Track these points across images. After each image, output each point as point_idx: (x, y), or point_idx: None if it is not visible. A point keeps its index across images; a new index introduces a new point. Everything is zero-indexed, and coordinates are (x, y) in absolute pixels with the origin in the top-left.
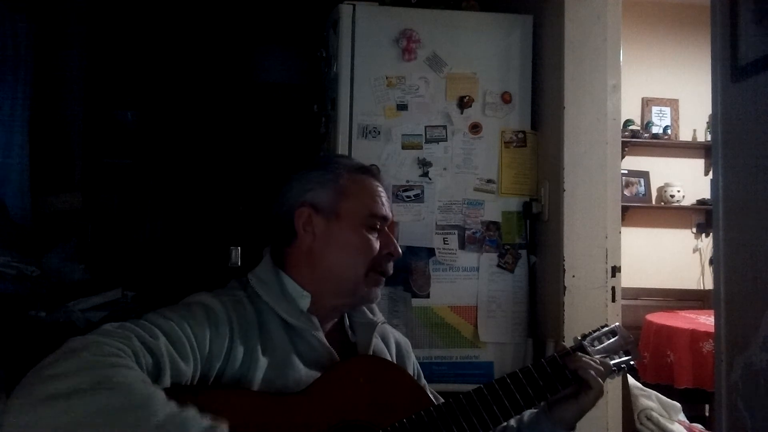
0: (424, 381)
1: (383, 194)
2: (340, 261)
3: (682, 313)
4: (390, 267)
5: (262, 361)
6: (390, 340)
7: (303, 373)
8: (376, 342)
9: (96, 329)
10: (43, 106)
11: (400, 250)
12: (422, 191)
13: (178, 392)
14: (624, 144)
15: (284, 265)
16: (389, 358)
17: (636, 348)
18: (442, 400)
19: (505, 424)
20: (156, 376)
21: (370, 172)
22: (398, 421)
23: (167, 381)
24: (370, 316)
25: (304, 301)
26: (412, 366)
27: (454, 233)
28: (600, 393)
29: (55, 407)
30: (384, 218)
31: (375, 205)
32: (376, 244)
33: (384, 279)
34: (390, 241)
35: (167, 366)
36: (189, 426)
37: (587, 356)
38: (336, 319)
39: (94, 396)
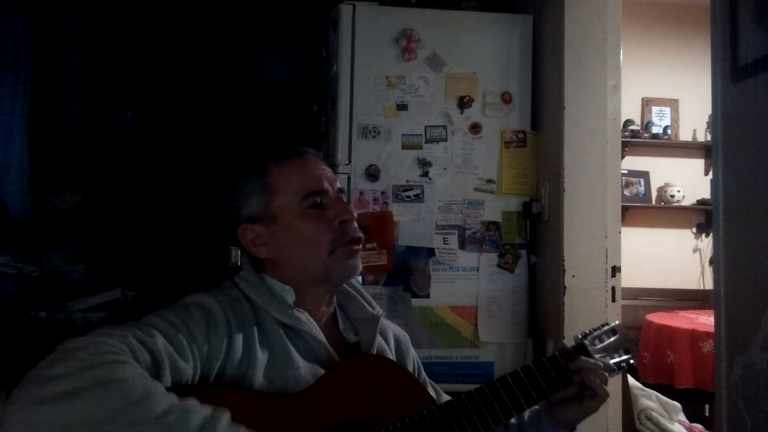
0: (424, 375)
1: (315, 167)
2: (298, 255)
3: (682, 313)
4: (354, 231)
5: (261, 359)
6: (388, 335)
7: (302, 369)
8: (378, 340)
9: (93, 330)
10: (43, 105)
11: (353, 212)
12: (422, 191)
13: (179, 392)
14: (624, 144)
15: (260, 265)
16: (390, 355)
17: (636, 346)
18: (443, 393)
19: (506, 422)
20: (156, 375)
21: (296, 152)
22: (400, 421)
23: (168, 380)
24: (370, 309)
25: (289, 295)
26: (412, 360)
27: (454, 233)
28: (605, 398)
29: (55, 408)
30: (321, 192)
31: (305, 186)
32: (326, 222)
33: (357, 246)
34: (339, 208)
35: (167, 365)
36: (190, 415)
37: (591, 359)
38: (330, 313)
39: (93, 395)
